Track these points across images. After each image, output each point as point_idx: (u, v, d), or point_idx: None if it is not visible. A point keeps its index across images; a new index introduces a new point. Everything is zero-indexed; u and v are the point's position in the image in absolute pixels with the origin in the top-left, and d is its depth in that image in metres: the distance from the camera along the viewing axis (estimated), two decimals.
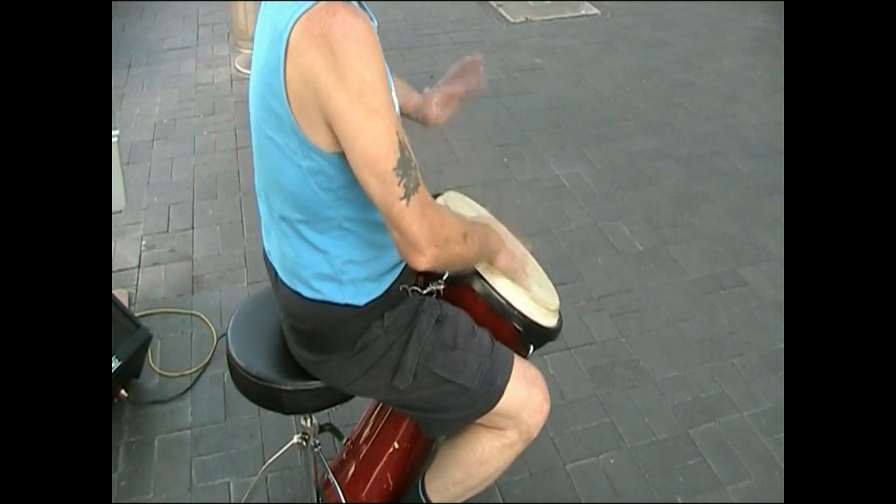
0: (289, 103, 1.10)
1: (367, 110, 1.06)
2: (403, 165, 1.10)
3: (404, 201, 1.11)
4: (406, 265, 1.37)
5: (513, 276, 1.42)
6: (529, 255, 1.58)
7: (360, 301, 1.31)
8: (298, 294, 1.32)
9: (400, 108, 1.48)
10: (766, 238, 2.98)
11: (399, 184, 1.10)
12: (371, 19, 1.17)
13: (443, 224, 1.18)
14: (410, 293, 1.37)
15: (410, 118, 1.56)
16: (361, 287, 1.31)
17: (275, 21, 1.09)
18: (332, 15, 1.04)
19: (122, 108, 3.82)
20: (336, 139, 1.11)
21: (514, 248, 1.52)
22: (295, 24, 1.05)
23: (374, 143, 1.08)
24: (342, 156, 1.13)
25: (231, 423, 2.17)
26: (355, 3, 1.11)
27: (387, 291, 1.33)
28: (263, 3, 1.17)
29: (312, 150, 1.14)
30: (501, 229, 1.59)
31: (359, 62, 1.04)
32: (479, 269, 1.40)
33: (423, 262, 1.17)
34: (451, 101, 1.57)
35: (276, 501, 1.96)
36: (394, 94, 1.16)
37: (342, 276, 1.29)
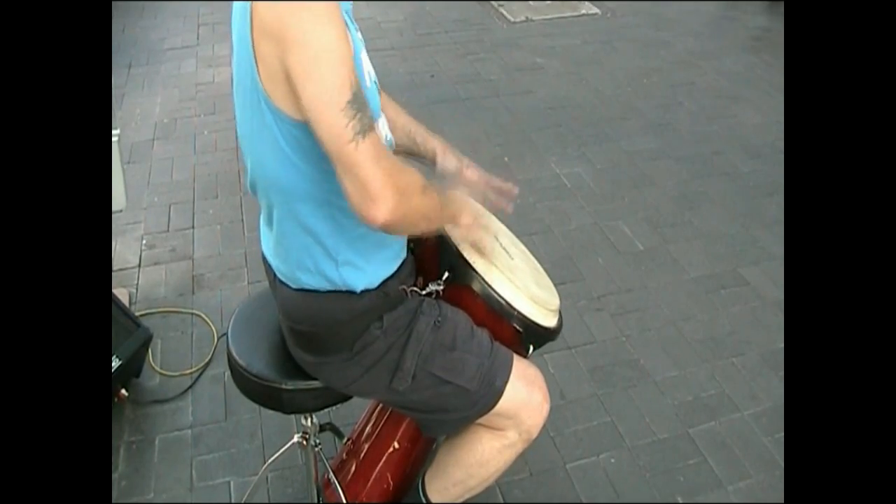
0: (258, 72, 1.11)
1: (319, 45, 1.04)
2: (356, 103, 1.06)
3: (354, 143, 1.05)
4: (403, 263, 1.37)
5: (475, 239, 1.39)
6: (522, 248, 1.59)
7: (358, 285, 1.30)
8: (298, 289, 1.32)
9: (406, 139, 1.52)
10: (767, 237, 2.98)
11: (351, 120, 1.05)
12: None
13: (400, 171, 1.12)
14: (409, 294, 1.37)
15: (412, 153, 1.57)
16: (357, 265, 1.30)
17: (240, 6, 1.13)
18: None
19: (123, 107, 3.82)
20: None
21: (513, 246, 1.53)
22: None
23: (326, 78, 1.05)
24: None
25: (231, 423, 2.17)
26: None
27: (383, 284, 1.33)
28: (234, 4, 1.18)
29: (285, 120, 1.14)
30: (495, 224, 1.59)
31: (310, 4, 1.04)
32: (478, 269, 1.39)
33: (381, 213, 1.07)
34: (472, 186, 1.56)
35: (277, 501, 1.96)
36: (361, 57, 1.17)
37: (337, 255, 1.28)
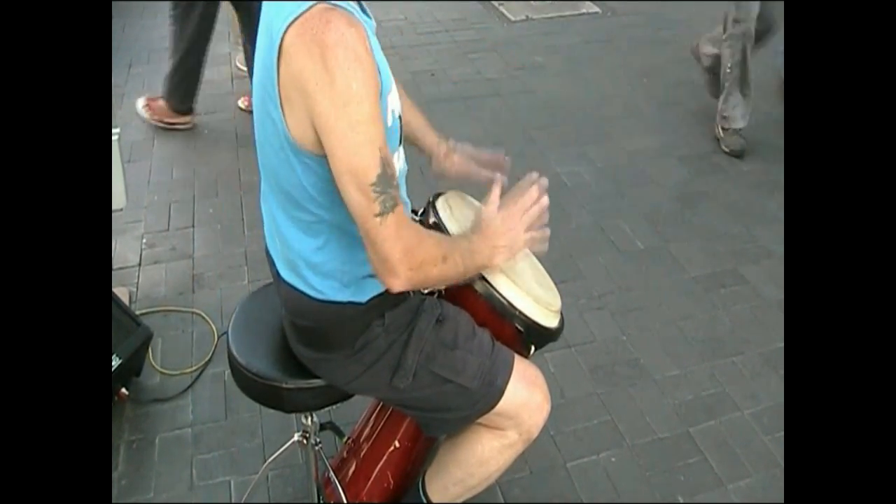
0: (281, 106, 1.11)
1: (350, 121, 1.06)
2: (383, 182, 1.09)
3: (379, 219, 1.11)
4: None
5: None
6: (530, 255, 1.59)
7: (363, 298, 1.31)
8: (300, 292, 1.32)
9: (406, 130, 1.48)
10: (767, 236, 2.98)
11: (376, 200, 1.09)
12: (369, 19, 1.17)
13: (418, 245, 1.17)
14: (411, 293, 1.37)
15: (415, 146, 1.58)
16: (363, 285, 1.31)
17: (272, 23, 1.10)
18: (326, 22, 1.03)
19: (123, 106, 3.81)
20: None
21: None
22: (289, 27, 1.05)
23: (355, 155, 1.08)
24: None
25: (232, 422, 2.17)
26: (353, 5, 1.11)
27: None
28: (265, 3, 1.17)
29: (303, 153, 1.14)
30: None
31: (347, 72, 1.04)
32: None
33: (396, 284, 1.17)
34: (463, 172, 1.60)
35: (277, 500, 1.96)
36: (388, 99, 1.16)
37: (343, 276, 1.29)
